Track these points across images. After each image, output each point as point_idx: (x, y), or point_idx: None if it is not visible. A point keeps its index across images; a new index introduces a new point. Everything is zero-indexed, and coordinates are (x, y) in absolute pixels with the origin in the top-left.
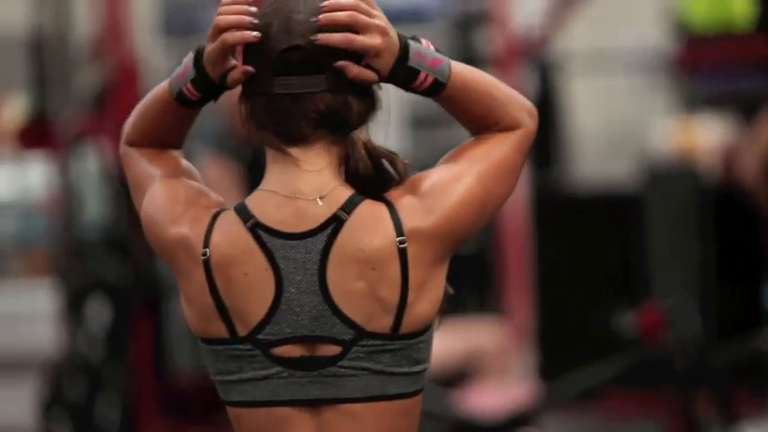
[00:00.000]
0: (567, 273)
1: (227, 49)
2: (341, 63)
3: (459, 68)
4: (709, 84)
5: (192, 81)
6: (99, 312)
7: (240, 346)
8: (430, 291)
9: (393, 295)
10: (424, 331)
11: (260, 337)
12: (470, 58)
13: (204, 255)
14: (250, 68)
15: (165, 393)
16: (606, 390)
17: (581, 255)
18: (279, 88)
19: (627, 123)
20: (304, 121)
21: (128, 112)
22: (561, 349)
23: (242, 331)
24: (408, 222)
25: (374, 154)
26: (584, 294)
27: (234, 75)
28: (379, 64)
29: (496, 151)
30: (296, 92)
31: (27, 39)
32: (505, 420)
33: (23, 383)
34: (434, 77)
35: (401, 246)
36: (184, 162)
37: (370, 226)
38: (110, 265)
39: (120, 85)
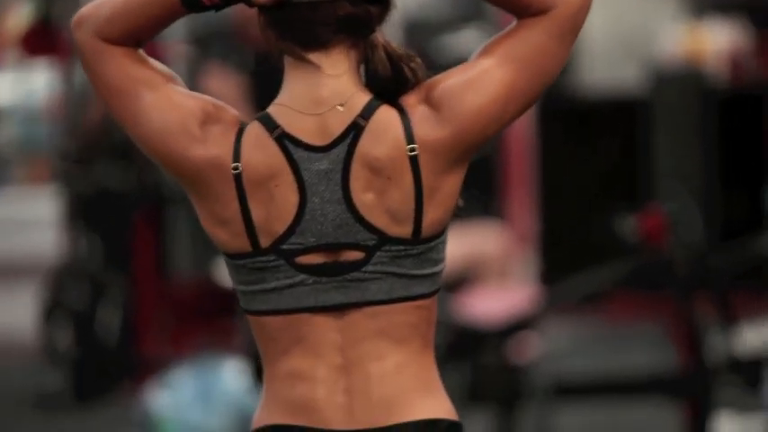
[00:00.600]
0: (571, 177)
1: None
2: None
3: None
4: None
5: None
6: (101, 219)
7: (263, 258)
8: (445, 196)
9: (408, 203)
10: (443, 233)
11: (284, 247)
12: None
13: (236, 169)
14: None
15: (165, 299)
16: (608, 294)
17: (585, 159)
18: None
19: (635, 28)
20: (323, 27)
21: None
22: (563, 254)
23: (265, 243)
24: (420, 131)
25: (393, 56)
26: (587, 199)
27: None
28: None
29: (524, 39)
30: (314, 0)
31: None
32: (506, 325)
33: (26, 290)
34: None
35: (411, 154)
36: (164, 66)
37: (385, 133)
38: (112, 172)
39: None
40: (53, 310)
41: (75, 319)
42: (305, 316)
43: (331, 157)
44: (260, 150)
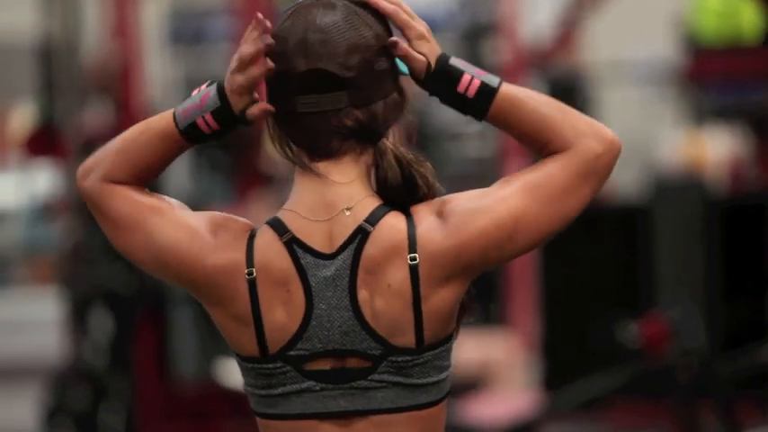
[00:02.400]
0: (572, 284)
1: (253, 82)
2: (391, 39)
3: (509, 85)
4: (718, 96)
5: (213, 112)
6: (103, 321)
7: (270, 365)
8: (443, 307)
9: (408, 311)
10: (448, 340)
11: (291, 353)
12: None
13: (250, 275)
14: (270, 107)
15: (168, 401)
16: (610, 400)
17: (586, 266)
18: (302, 107)
19: (636, 134)
20: (332, 136)
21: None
22: (566, 360)
23: (272, 349)
24: (423, 240)
25: (402, 161)
26: (588, 305)
27: (254, 110)
28: (425, 48)
29: (544, 172)
30: (320, 110)
31: (35, 46)
32: (511, 430)
33: (27, 391)
34: (481, 81)
35: (412, 263)
36: (169, 198)
37: (389, 240)
38: (114, 274)
39: (129, 92)
40: (55, 411)
41: (78, 420)
42: (312, 423)
43: (337, 264)
44: (272, 255)
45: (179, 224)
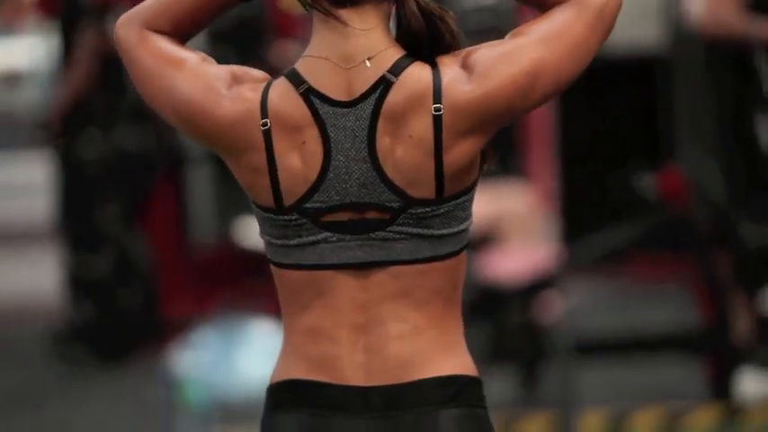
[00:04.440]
0: (591, 136)
1: None
2: None
3: None
4: None
5: None
6: (121, 182)
7: (286, 217)
8: (464, 158)
9: (429, 162)
10: (469, 190)
11: (308, 205)
12: None
13: (264, 125)
14: None
15: (187, 263)
16: (628, 253)
17: (605, 117)
18: None
19: None
20: None
21: None
22: (584, 213)
23: (288, 201)
24: (448, 91)
25: (425, 11)
26: (607, 157)
27: None
28: None
29: (555, 20)
30: None
31: None
32: (529, 284)
33: (48, 254)
34: None
35: (436, 113)
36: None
37: (413, 90)
38: (131, 134)
39: None
40: (75, 278)
41: (98, 282)
42: (327, 273)
43: (357, 113)
44: (287, 105)
45: (198, 76)
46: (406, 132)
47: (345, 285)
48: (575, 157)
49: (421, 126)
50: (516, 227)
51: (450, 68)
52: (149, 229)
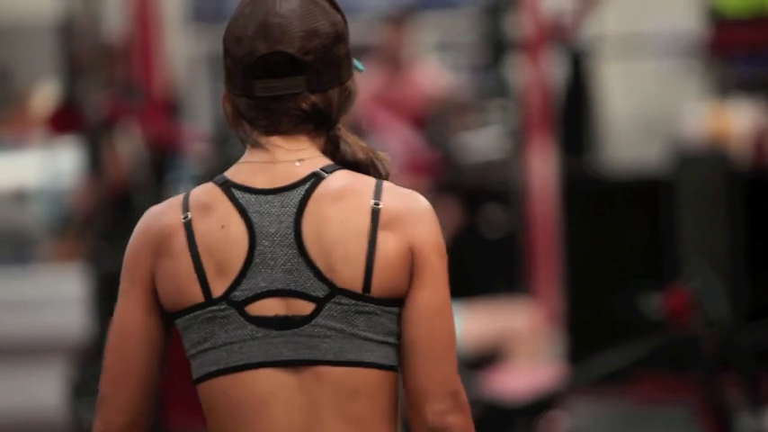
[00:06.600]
0: (596, 256)
1: None
2: None
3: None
4: (741, 68)
5: None
6: None
7: (215, 308)
8: (397, 260)
9: (360, 253)
10: (397, 304)
11: (236, 293)
12: (500, 44)
13: (186, 218)
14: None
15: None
16: (634, 373)
17: (610, 238)
18: (260, 91)
19: (659, 108)
20: (287, 118)
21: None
22: (589, 332)
23: (217, 292)
24: (388, 209)
25: (363, 145)
26: (612, 277)
27: None
28: None
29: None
30: (278, 94)
31: (57, 25)
32: (533, 403)
33: (52, 369)
34: None
35: (375, 207)
36: None
37: (350, 183)
38: None
39: (150, 70)
40: (80, 389)
41: None
42: (256, 373)
43: (283, 200)
44: (207, 196)
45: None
46: (338, 216)
47: (283, 398)
48: (580, 276)
49: (356, 213)
50: (521, 345)
51: (393, 198)
52: None
